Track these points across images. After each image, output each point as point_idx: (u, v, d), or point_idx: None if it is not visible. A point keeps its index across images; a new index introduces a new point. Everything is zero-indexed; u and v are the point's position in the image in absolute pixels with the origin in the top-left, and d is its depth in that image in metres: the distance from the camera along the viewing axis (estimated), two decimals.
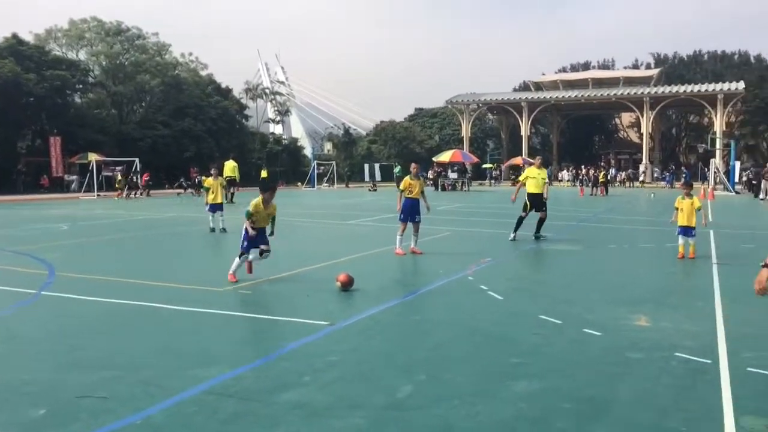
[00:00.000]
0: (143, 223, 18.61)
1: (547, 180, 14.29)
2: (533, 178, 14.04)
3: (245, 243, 8.94)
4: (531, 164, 14.53)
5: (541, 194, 13.97)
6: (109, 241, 14.55)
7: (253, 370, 5.24)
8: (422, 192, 12.36)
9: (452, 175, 46.00)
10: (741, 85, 52.17)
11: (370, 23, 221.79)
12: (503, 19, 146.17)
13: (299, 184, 53.30)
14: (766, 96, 58.72)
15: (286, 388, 4.81)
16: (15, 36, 41.99)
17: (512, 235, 13.95)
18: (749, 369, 5.25)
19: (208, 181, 16.37)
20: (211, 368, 5.23)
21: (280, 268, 10.03)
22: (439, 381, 5.01)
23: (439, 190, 42.75)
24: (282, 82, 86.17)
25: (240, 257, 8.97)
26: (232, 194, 26.60)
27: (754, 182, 37.17)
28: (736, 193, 39.24)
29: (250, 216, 8.96)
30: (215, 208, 15.92)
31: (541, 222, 14.15)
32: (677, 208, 11.67)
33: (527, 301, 7.93)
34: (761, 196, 32.86)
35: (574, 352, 5.80)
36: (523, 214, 14.05)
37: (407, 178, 12.34)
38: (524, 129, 59.45)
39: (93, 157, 37.14)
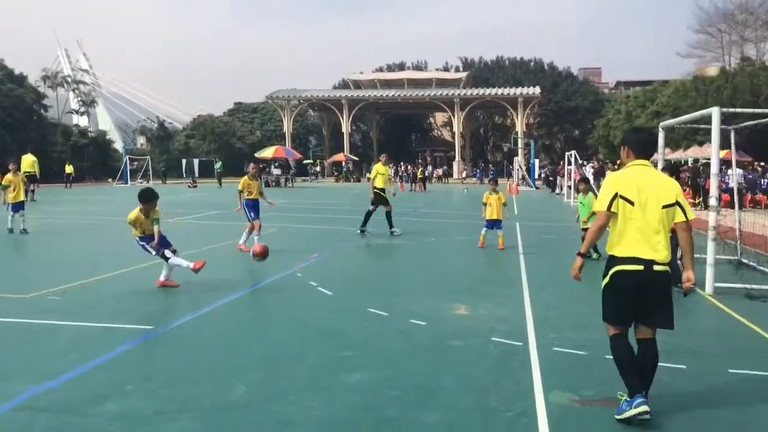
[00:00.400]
0: None
1: (391, 176, 14.88)
2: (381, 174, 14.76)
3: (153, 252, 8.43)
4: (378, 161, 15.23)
5: (384, 189, 14.71)
6: None
7: (68, 382, 4.83)
8: (261, 192, 12.29)
9: (275, 171, 45.65)
10: (537, 89, 57.35)
11: (191, 19, 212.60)
12: (322, 18, 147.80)
13: (110, 180, 49.80)
14: (559, 100, 65.32)
15: (107, 398, 4.50)
16: None
17: (360, 230, 14.43)
18: (555, 348, 5.83)
19: (8, 178, 14.76)
20: (20, 382, 4.75)
21: (94, 271, 9.32)
22: (273, 379, 4.98)
23: (264, 186, 42.17)
24: (85, 71, 79.86)
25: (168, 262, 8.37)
26: (32, 191, 24.23)
27: (551, 178, 41.16)
28: (537, 188, 43.16)
29: (132, 225, 8.49)
30: (17, 207, 14.43)
31: (389, 215, 14.75)
32: (485, 203, 12.58)
33: (355, 296, 8.11)
34: (557, 191, 36.43)
35: (401, 342, 6.04)
36: (372, 208, 14.64)
37: (245, 179, 12.17)
38: (345, 126, 60.52)
39: None
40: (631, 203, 4.20)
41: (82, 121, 65.45)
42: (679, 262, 6.50)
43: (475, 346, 5.91)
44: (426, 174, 46.02)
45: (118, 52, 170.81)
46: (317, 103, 63.71)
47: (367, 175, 54.41)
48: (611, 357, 4.46)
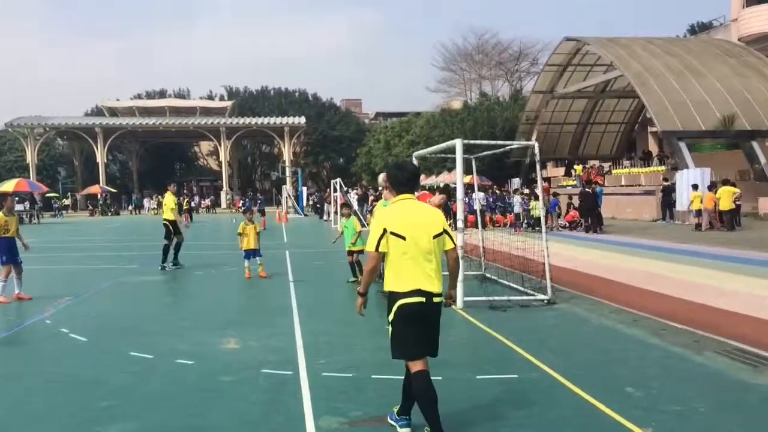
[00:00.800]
0: None
1: (174, 207, 14.50)
2: (167, 205, 14.44)
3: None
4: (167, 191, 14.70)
5: (174, 220, 14.33)
6: None
7: None
8: (17, 230, 10.60)
9: (18, 207, 40.78)
10: (302, 119, 58.86)
11: None
12: (71, 38, 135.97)
13: None
14: (324, 129, 67.61)
15: None
16: None
17: (163, 265, 13.93)
18: (324, 373, 5.96)
19: None
20: None
21: None
22: None
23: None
24: None
25: None
26: None
27: (318, 205, 42.24)
28: (305, 215, 44.00)
29: None
30: None
31: (178, 246, 14.45)
32: (240, 234, 12.64)
33: (115, 339, 7.53)
34: (325, 217, 37.50)
35: (168, 384, 5.74)
36: (167, 242, 14.12)
37: (0, 214, 10.35)
38: (100, 156, 56.20)
39: None
40: (403, 238, 4.24)
41: None
42: None
43: (245, 379, 5.82)
44: (192, 204, 44.52)
45: None
46: (67, 131, 58.38)
47: (129, 207, 51.34)
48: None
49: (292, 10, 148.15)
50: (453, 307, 8.99)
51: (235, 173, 67.39)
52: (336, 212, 28.60)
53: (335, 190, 29.97)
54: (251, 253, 12.55)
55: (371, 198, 27.72)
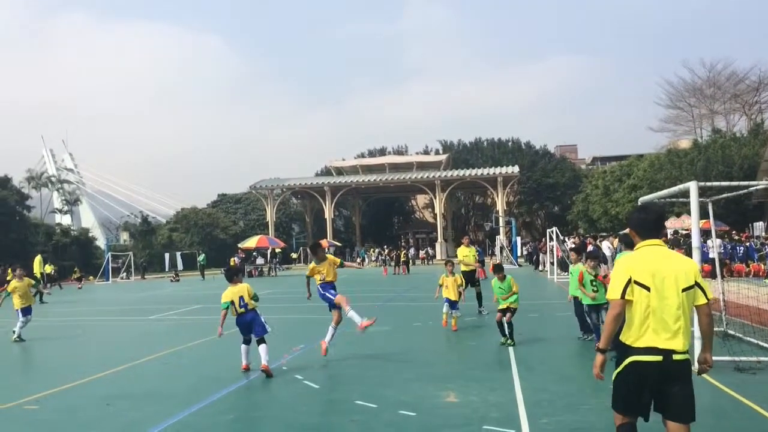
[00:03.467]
0: None
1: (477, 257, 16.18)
2: (465, 256, 15.66)
3: None
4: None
5: (474, 271, 15.59)
6: None
7: None
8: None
9: (259, 261, 45.50)
10: (516, 168, 58.51)
11: (162, 111, 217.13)
12: (303, 109, 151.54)
13: (91, 278, 49.23)
14: (538, 178, 66.57)
15: None
16: None
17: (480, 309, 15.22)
18: None
19: (13, 284, 14.58)
20: None
21: (72, 376, 9.06)
22: None
23: (246, 276, 41.99)
24: (70, 170, 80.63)
25: None
26: (40, 293, 23.95)
27: (533, 256, 41.35)
28: (519, 266, 43.27)
29: None
30: (27, 311, 14.38)
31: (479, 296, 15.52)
32: (441, 285, 13.10)
33: (343, 387, 7.94)
34: (540, 267, 36.55)
35: None
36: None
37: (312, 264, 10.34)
38: (328, 212, 60.95)
39: None
40: (647, 288, 3.96)
41: (65, 220, 65.37)
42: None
43: None
44: (409, 256, 46.10)
45: (102, 150, 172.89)
46: (300, 190, 64.44)
47: (357, 259, 54.67)
48: None
49: (504, 63, 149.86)
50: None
51: (449, 224, 68.72)
52: (552, 263, 27.73)
53: (551, 240, 29.14)
54: (449, 303, 12.99)
55: (589, 246, 26.40)
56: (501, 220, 54.91)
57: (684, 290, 3.97)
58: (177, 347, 11.71)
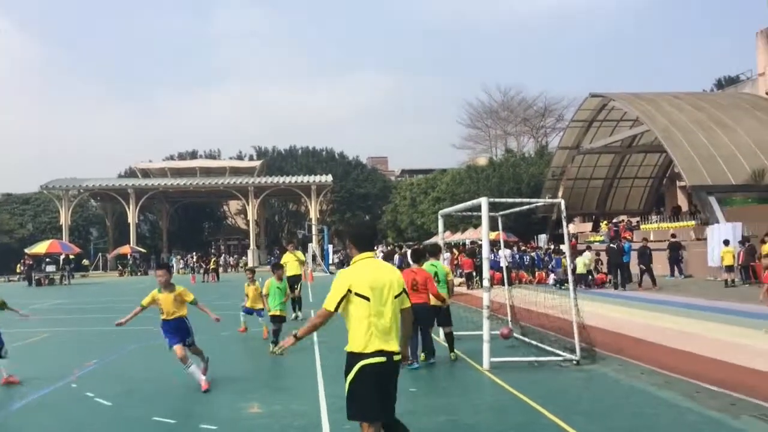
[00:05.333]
0: None
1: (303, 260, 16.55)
2: (289, 261, 15.62)
3: None
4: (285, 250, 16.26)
5: (300, 275, 16.05)
6: None
7: None
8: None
9: (50, 268, 41.54)
10: (329, 177, 59.50)
11: None
12: (105, 104, 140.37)
13: None
14: (350, 187, 68.29)
15: None
16: None
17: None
18: None
19: None
20: None
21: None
22: None
23: (34, 285, 38.14)
24: None
25: None
26: None
27: (344, 263, 42.35)
28: (331, 273, 44.00)
29: None
30: None
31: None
32: (247, 295, 13.42)
33: (139, 404, 7.51)
34: None
35: None
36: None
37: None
38: (131, 216, 57.26)
39: None
40: (367, 299, 4.28)
41: None
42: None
43: None
44: (219, 263, 44.89)
45: None
46: (100, 192, 59.87)
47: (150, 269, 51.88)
48: None
49: (320, 71, 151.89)
50: (478, 367, 8.90)
51: (263, 231, 68.02)
52: None
53: None
54: (252, 311, 13.32)
55: (397, 255, 27.64)
56: (314, 228, 55.49)
57: (396, 297, 4.41)
58: None
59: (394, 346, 4.31)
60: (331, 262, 47.86)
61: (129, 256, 53.13)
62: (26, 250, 43.42)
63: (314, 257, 48.12)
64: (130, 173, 68.14)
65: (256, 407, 7.16)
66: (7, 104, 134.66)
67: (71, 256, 44.03)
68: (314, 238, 54.26)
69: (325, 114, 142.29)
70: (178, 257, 54.75)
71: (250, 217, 59.68)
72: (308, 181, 58.50)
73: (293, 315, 15.35)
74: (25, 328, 13.52)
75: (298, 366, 9.86)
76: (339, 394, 7.69)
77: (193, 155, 74.54)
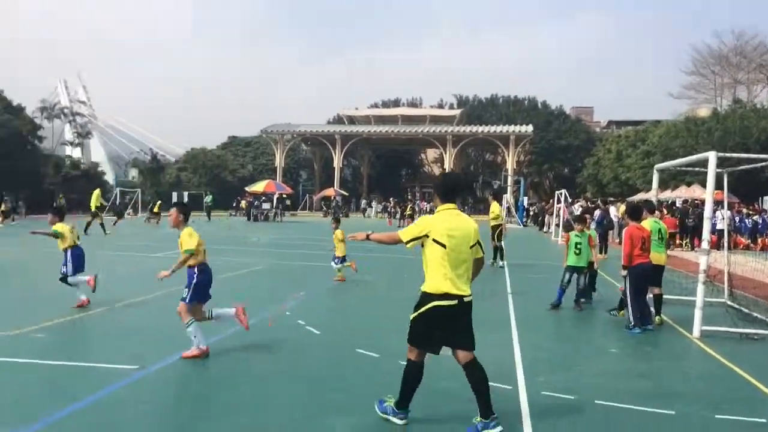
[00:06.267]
0: None
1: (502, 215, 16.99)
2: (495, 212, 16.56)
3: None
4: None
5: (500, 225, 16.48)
6: None
7: (49, 426, 4.72)
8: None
9: (265, 205, 45.63)
10: (530, 128, 57.88)
11: (181, 48, 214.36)
12: (320, 55, 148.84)
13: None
14: (551, 138, 65.92)
15: None
16: None
17: (494, 262, 16.01)
18: (543, 393, 5.77)
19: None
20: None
21: (85, 306, 9.20)
22: (260, 422, 4.90)
23: (252, 220, 42.17)
24: (83, 102, 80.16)
25: None
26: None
27: (539, 217, 41.32)
28: (525, 226, 43.27)
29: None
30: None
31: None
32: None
33: (344, 335, 8.04)
34: (545, 229, 36.56)
35: (389, 385, 5.96)
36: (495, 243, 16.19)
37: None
38: (337, 161, 60.80)
39: None
40: (443, 246, 4.63)
41: (76, 153, 65.43)
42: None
43: (465, 388, 5.84)
44: (415, 209, 46.12)
45: (116, 85, 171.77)
46: (310, 137, 64.14)
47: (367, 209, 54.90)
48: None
49: (539, 15, 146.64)
50: (687, 335, 8.26)
51: None
52: (558, 225, 27.70)
53: (558, 202, 29.05)
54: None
55: (598, 211, 26.34)
56: (509, 179, 54.67)
57: (471, 247, 4.76)
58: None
59: (465, 289, 4.70)
60: (525, 214, 46.87)
61: (332, 198, 56.59)
62: (247, 189, 48.02)
63: (509, 209, 47.53)
64: (338, 120, 71.90)
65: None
66: (233, 57, 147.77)
67: (284, 196, 47.94)
68: (509, 189, 53.52)
69: (531, 61, 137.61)
70: (374, 202, 57.20)
71: (447, 165, 60.32)
72: (507, 131, 57.47)
73: (490, 262, 15.45)
74: (243, 258, 15.02)
75: (494, 315, 9.89)
76: (533, 346, 7.63)
77: (396, 103, 76.60)
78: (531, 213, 47.10)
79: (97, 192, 27.09)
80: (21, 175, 43.72)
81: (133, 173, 66.41)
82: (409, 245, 4.82)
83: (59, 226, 9.73)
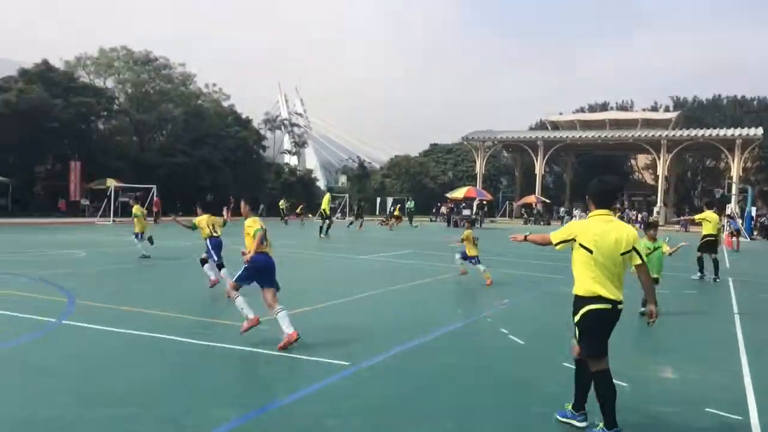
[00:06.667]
0: (171, 251, 18.19)
1: (720, 225, 15.80)
2: (708, 221, 15.09)
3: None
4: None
5: (716, 236, 15.04)
6: (127, 270, 14.53)
7: (271, 413, 5.15)
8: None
9: (465, 212, 45.97)
10: (760, 131, 51.74)
11: (389, 61, 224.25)
12: (521, 58, 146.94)
13: (310, 215, 53.46)
14: None
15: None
16: (45, 62, 42.77)
17: (698, 275, 14.90)
18: None
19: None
20: (228, 409, 5.14)
21: (297, 303, 9.95)
22: (464, 430, 4.91)
23: (452, 225, 42.66)
24: (300, 114, 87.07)
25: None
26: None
27: None
28: (752, 239, 38.82)
29: None
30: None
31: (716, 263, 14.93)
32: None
33: (549, 347, 7.79)
34: None
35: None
36: (699, 254, 15.00)
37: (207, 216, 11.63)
38: (539, 168, 59.38)
39: (111, 183, 37.47)
40: (590, 251, 4.63)
41: (292, 161, 71.29)
42: None
43: (687, 414, 5.37)
44: (623, 219, 43.46)
45: (324, 96, 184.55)
46: (511, 144, 63.48)
47: (568, 216, 53.02)
48: None
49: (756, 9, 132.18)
50: None
51: (672, 188, 63.46)
52: None
53: None
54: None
55: None
56: (734, 187, 49.41)
57: (622, 254, 4.65)
58: (386, 288, 12.30)
59: (618, 295, 4.64)
60: (752, 226, 41.96)
61: (534, 206, 55.38)
62: (447, 195, 48.79)
63: (732, 219, 42.89)
64: (540, 125, 70.39)
65: (669, 371, 6.76)
66: (432, 65, 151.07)
67: (484, 202, 47.95)
68: (734, 198, 48.38)
69: (762, 56, 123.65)
70: (580, 210, 54.84)
71: (660, 172, 56.19)
72: (733, 135, 52.11)
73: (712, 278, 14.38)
74: (446, 264, 15.20)
75: (716, 336, 8.99)
76: (765, 371, 6.79)
77: (604, 107, 73.23)
78: (759, 225, 42.12)
79: (327, 196, 29.20)
80: (248, 179, 48.67)
81: (342, 179, 70.72)
82: (558, 247, 4.89)
83: (197, 219, 11.10)
